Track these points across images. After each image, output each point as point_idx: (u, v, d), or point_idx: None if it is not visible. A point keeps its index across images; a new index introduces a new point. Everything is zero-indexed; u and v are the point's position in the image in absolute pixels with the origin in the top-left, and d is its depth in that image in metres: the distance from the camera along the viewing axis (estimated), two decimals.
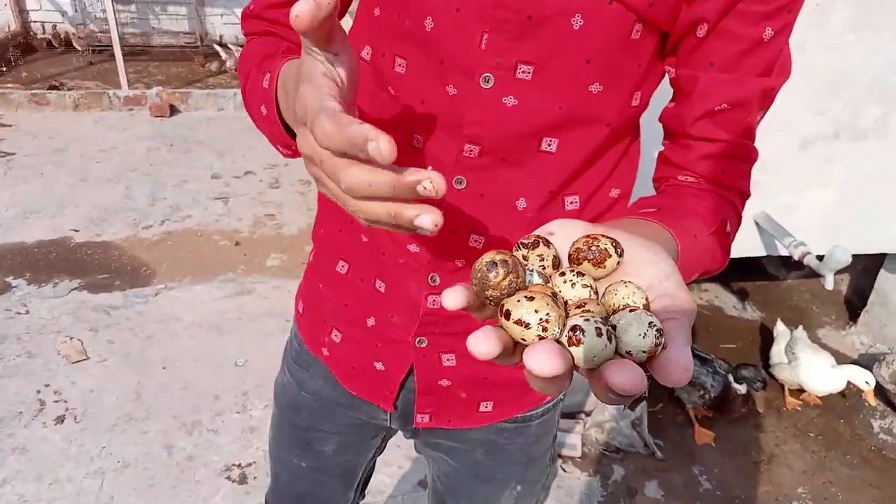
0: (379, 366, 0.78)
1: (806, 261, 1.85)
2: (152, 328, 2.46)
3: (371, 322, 0.76)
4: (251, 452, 1.97)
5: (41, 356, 2.28)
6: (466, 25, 0.58)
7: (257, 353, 2.36)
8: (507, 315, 0.37)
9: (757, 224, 2.01)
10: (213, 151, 3.87)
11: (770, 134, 1.82)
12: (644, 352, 0.36)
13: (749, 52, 0.59)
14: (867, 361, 2.34)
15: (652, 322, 0.36)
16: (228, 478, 1.89)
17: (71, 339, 2.36)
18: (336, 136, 0.40)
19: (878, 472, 2.08)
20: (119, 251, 2.92)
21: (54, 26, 5.26)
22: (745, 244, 2.05)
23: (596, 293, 0.42)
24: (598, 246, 0.42)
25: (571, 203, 0.68)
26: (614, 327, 0.38)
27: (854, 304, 2.80)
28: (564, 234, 0.45)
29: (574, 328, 0.36)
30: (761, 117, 0.64)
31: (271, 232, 3.16)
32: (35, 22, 5.31)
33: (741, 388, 2.06)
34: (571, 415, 2.15)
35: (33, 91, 4.26)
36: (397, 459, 1.96)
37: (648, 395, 2.26)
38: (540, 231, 0.46)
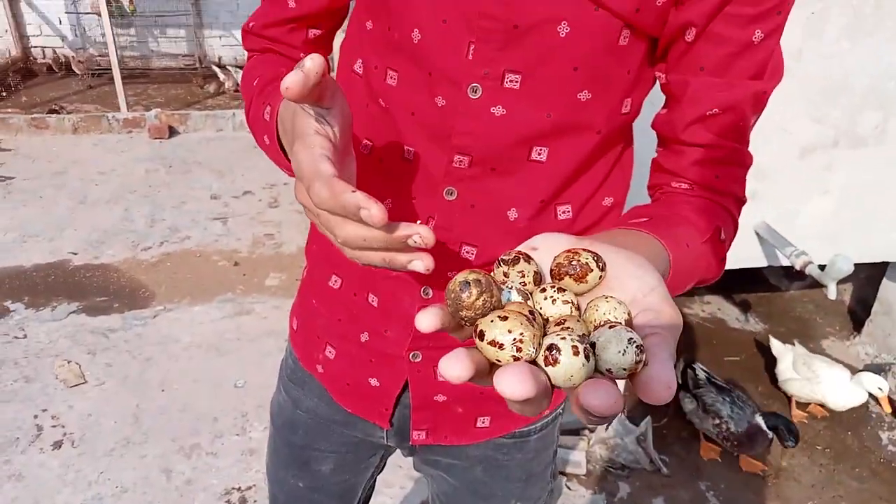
0: (374, 382, 0.77)
1: (808, 270, 1.84)
2: (151, 350, 2.45)
3: (365, 337, 0.75)
4: (251, 475, 1.95)
5: (39, 380, 2.26)
6: (453, 36, 0.58)
7: (256, 374, 2.34)
8: (482, 336, 0.36)
9: (757, 234, 1.99)
10: (212, 172, 3.87)
11: (768, 142, 1.81)
12: (624, 369, 0.35)
13: (739, 55, 0.58)
14: (872, 372, 2.31)
15: (632, 339, 0.36)
16: (228, 501, 1.86)
17: (69, 362, 2.34)
18: (330, 201, 0.44)
19: (887, 485, 2.04)
20: (118, 273, 2.91)
21: (54, 51, 5.30)
22: (746, 255, 2.03)
23: (578, 309, 0.41)
24: (580, 260, 0.42)
25: (564, 213, 0.67)
26: (594, 345, 0.37)
27: (858, 314, 2.78)
28: (548, 248, 0.44)
29: (550, 347, 0.36)
30: (755, 121, 0.63)
31: (270, 251, 3.15)
32: (35, 47, 5.36)
33: (769, 434, 1.95)
34: (575, 431, 2.13)
35: (33, 115, 4.28)
36: (399, 480, 1.93)
37: (653, 411, 2.23)
38: (524, 246, 0.46)
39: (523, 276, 0.43)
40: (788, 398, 2.29)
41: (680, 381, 2.19)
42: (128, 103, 4.41)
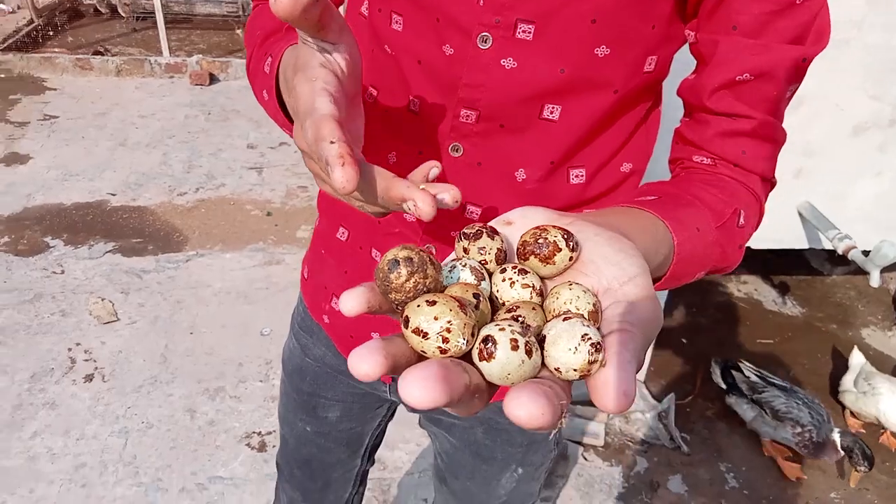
0: (375, 336, 0.76)
1: (851, 255, 1.76)
2: (181, 293, 2.49)
3: None
4: (271, 421, 1.98)
5: (74, 315, 2.32)
6: None
7: (283, 323, 2.36)
8: (406, 322, 0.32)
9: (800, 214, 1.91)
10: (250, 121, 3.87)
11: (819, 117, 1.72)
12: (574, 370, 0.31)
13: (778, 14, 0.51)
14: None
15: (587, 335, 0.31)
16: (248, 444, 1.90)
17: (103, 300, 2.40)
18: (313, 145, 0.40)
19: None
20: (153, 216, 2.95)
21: None
22: (787, 236, 1.96)
23: (541, 294, 0.37)
24: (546, 238, 0.37)
25: (577, 176, 0.63)
26: (544, 339, 0.32)
27: None
28: (527, 223, 0.40)
29: (486, 339, 0.31)
30: (792, 92, 0.56)
31: (303, 203, 3.15)
32: None
33: (841, 454, 1.84)
34: None
35: (78, 56, 4.32)
36: (415, 437, 1.94)
37: (677, 388, 2.19)
38: (498, 219, 0.42)
39: (483, 253, 0.39)
40: (842, 407, 2.19)
41: (723, 385, 2.07)
42: (170, 48, 4.41)
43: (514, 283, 0.37)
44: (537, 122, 0.59)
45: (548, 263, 0.37)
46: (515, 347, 0.31)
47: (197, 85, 4.28)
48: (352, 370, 0.30)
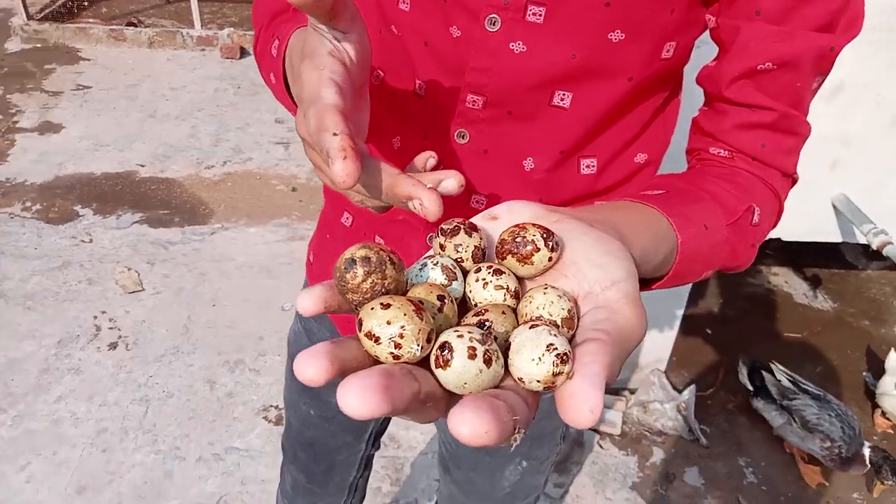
0: None
1: (886, 251, 1.69)
2: (206, 266, 2.51)
3: None
4: None
5: (100, 284, 2.36)
6: None
7: None
8: (360, 325, 0.30)
9: (834, 206, 1.85)
10: None
11: (858, 105, 1.65)
12: (538, 381, 0.29)
13: None
14: None
15: (552, 344, 0.29)
16: (265, 417, 1.92)
17: (129, 269, 2.43)
18: (314, 135, 0.39)
19: None
20: (180, 188, 2.98)
21: None
22: (820, 228, 1.89)
23: (516, 297, 0.35)
24: (525, 237, 0.35)
25: (588, 167, 0.61)
26: (508, 346, 0.30)
27: None
28: (514, 218, 0.38)
29: (443, 346, 0.29)
30: (818, 84, 0.53)
31: None
32: None
33: (868, 467, 1.77)
34: (615, 391, 2.08)
35: (112, 27, 4.36)
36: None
37: (699, 380, 2.16)
38: (483, 214, 0.39)
39: (460, 250, 0.37)
40: (873, 407, 2.13)
41: (750, 387, 2.00)
42: (202, 21, 4.42)
43: (487, 283, 0.35)
44: (547, 110, 0.57)
45: (526, 263, 0.36)
46: (473, 356, 0.29)
47: (227, 58, 4.29)
48: (297, 375, 0.28)
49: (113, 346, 2.11)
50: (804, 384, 1.93)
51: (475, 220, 0.40)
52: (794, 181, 0.59)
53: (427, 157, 0.46)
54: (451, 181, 0.41)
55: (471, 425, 0.26)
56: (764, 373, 1.98)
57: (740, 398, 2.09)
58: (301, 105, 0.42)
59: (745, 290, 2.61)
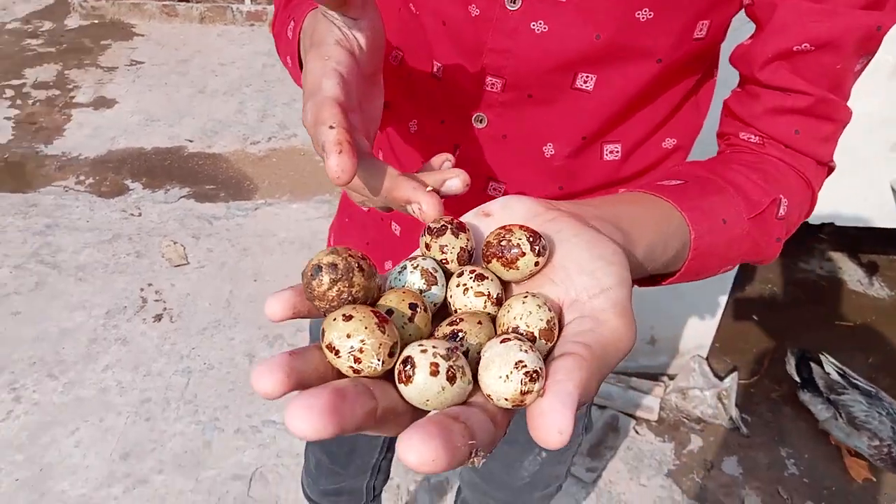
0: None
1: None
2: (249, 241, 2.56)
3: (388, 266, 0.72)
4: None
5: (147, 257, 2.43)
6: None
7: None
8: (322, 335, 0.29)
9: (893, 189, 1.75)
10: None
11: None
12: (506, 399, 0.28)
13: None
14: None
15: (521, 362, 0.28)
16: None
17: (175, 243, 2.50)
18: (311, 128, 0.38)
19: None
20: (227, 164, 3.03)
21: None
22: (877, 213, 1.80)
23: (498, 303, 0.33)
24: (510, 241, 0.33)
25: (611, 152, 0.58)
26: (478, 362, 0.29)
27: None
28: (508, 216, 0.36)
29: (405, 361, 0.28)
30: (862, 66, 0.49)
31: None
32: None
33: None
34: (654, 376, 2.04)
35: (164, 2, 4.43)
36: None
37: (741, 367, 2.09)
38: (479, 209, 0.38)
39: (445, 252, 0.35)
40: None
41: (797, 379, 1.92)
42: None
43: (467, 289, 0.34)
44: (569, 93, 0.54)
45: (511, 268, 0.34)
46: (435, 373, 0.28)
47: None
48: (253, 386, 0.28)
49: (158, 317, 2.18)
50: (855, 379, 1.84)
51: (467, 216, 0.38)
52: (831, 170, 0.55)
53: (444, 159, 0.44)
54: (456, 181, 0.40)
55: (417, 452, 0.24)
56: (812, 364, 1.90)
57: (785, 387, 2.02)
58: (304, 96, 0.41)
59: (796, 275, 2.51)
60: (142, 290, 2.29)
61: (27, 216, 2.60)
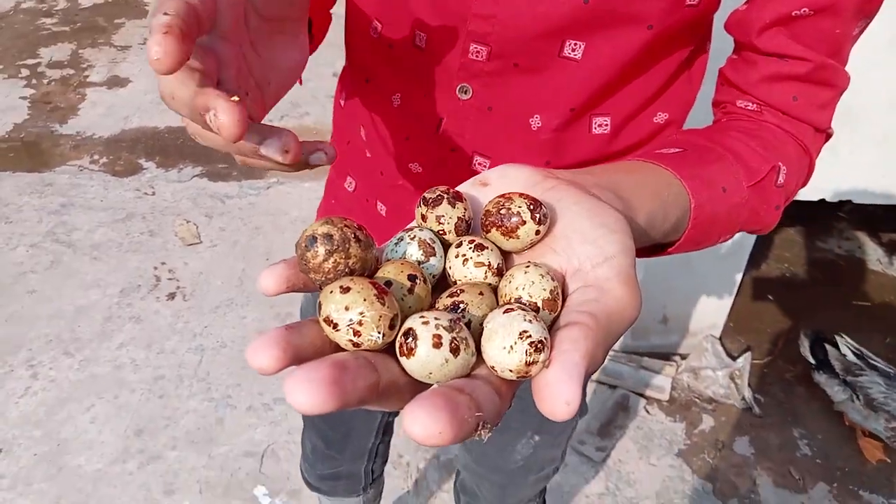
0: None
1: None
2: (261, 220, 2.56)
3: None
4: None
5: (160, 236, 2.45)
6: None
7: None
8: (319, 309, 0.29)
9: None
10: (336, 49, 3.85)
11: None
12: (510, 370, 0.27)
13: None
14: None
15: (526, 331, 0.27)
16: None
17: (188, 222, 2.51)
18: None
19: None
20: None
21: None
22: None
23: (499, 274, 0.32)
24: (510, 209, 0.32)
25: (600, 126, 0.56)
26: (481, 333, 0.28)
27: None
28: (506, 184, 0.35)
29: (406, 334, 0.27)
30: (860, 29, 0.47)
31: None
32: None
33: None
34: (665, 356, 2.02)
35: None
36: None
37: (755, 347, 2.07)
38: (476, 178, 0.36)
39: (442, 222, 0.34)
40: None
41: (812, 361, 1.88)
42: None
43: (467, 260, 0.33)
44: (557, 62, 0.52)
45: (511, 237, 0.33)
46: (438, 345, 0.27)
47: None
48: (249, 363, 0.27)
49: (171, 296, 2.20)
50: (873, 360, 1.81)
51: (464, 186, 0.37)
52: (829, 136, 0.54)
53: (315, 150, 0.39)
54: (322, 154, 0.38)
55: (423, 425, 0.24)
56: (828, 346, 1.88)
57: (800, 368, 2.00)
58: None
59: (813, 253, 2.47)
60: (155, 268, 2.31)
61: (43, 195, 2.62)
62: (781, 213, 0.51)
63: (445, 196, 0.35)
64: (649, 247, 0.46)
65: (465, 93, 0.56)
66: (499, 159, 0.58)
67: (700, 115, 0.61)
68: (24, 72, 3.47)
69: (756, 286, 2.30)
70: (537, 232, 0.33)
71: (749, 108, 0.51)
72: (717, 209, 0.44)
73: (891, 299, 2.29)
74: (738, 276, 1.90)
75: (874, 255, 2.48)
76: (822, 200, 1.81)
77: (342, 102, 0.73)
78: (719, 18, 0.55)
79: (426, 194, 0.35)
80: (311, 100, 3.37)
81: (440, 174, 0.61)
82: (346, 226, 0.30)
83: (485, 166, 0.59)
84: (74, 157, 2.88)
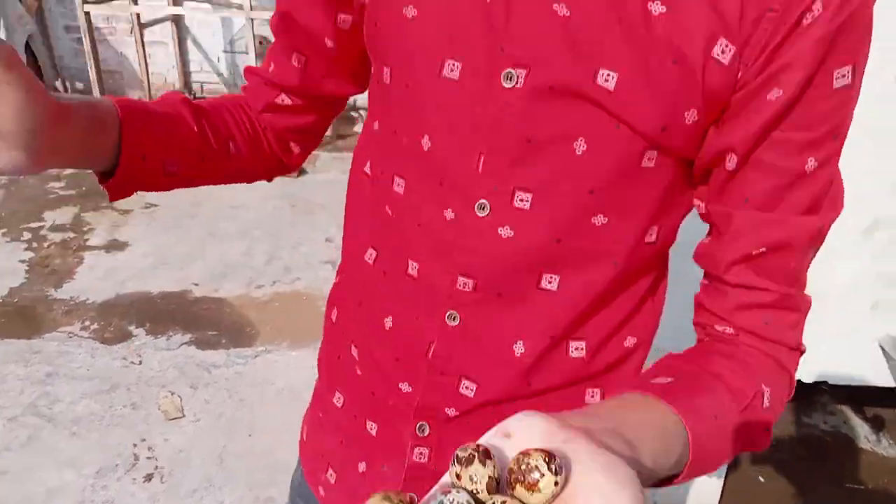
0: None
1: None
2: (246, 391, 2.55)
3: (362, 468, 0.72)
4: None
5: (143, 408, 2.42)
6: (463, 146, 0.55)
7: None
8: None
9: (882, 349, 1.76)
10: (331, 215, 4.03)
11: (894, 245, 1.60)
12: None
13: (790, 187, 0.51)
14: None
15: None
16: None
17: (172, 394, 2.50)
18: None
19: None
20: (230, 308, 3.08)
21: (202, 86, 5.81)
22: (869, 372, 1.81)
23: None
24: (529, 463, 0.35)
25: (576, 349, 0.62)
26: None
27: None
28: (526, 436, 0.38)
29: None
30: (812, 256, 0.55)
31: None
32: (196, 82, 5.90)
33: None
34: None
35: None
36: None
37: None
38: (499, 428, 0.40)
39: (475, 481, 0.37)
40: None
41: None
42: None
43: None
44: (535, 293, 0.58)
45: (534, 491, 0.36)
46: None
47: (286, 177, 4.53)
48: None
49: (149, 477, 2.14)
50: None
51: (487, 437, 0.40)
52: (802, 352, 0.59)
53: None
54: None
55: None
56: None
57: None
58: None
59: (801, 431, 2.46)
60: (135, 445, 2.26)
61: (29, 364, 2.62)
62: (771, 433, 0.55)
63: (476, 454, 0.37)
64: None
65: (454, 319, 0.61)
66: (485, 384, 0.62)
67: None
68: (27, 234, 3.59)
69: (745, 468, 2.27)
70: (556, 483, 0.36)
71: (727, 332, 0.57)
72: (713, 438, 0.48)
73: (884, 482, 2.26)
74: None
75: (861, 431, 2.47)
76: (800, 381, 1.85)
77: (333, 318, 0.77)
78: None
79: (458, 452, 0.38)
80: (305, 265, 3.48)
81: (430, 397, 0.64)
82: (401, 501, 0.35)
83: (471, 390, 0.62)
84: (66, 322, 2.91)
